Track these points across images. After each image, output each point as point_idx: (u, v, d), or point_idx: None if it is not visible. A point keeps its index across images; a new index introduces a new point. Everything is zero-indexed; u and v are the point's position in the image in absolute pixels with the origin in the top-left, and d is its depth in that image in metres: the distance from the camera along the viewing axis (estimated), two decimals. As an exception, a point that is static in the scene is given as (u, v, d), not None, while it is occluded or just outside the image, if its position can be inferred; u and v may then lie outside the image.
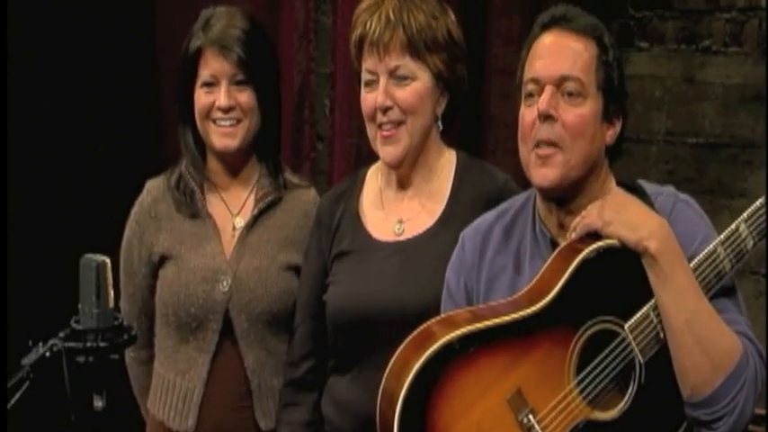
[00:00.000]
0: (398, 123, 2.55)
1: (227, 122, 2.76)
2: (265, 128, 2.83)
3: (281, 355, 2.81)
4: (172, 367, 2.81)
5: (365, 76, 2.57)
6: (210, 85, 2.77)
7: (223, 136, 2.77)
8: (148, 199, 2.86)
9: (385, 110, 2.53)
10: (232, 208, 2.85)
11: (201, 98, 2.77)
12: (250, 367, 2.77)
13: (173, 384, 2.80)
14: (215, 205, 2.84)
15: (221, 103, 2.75)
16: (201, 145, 2.84)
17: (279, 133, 2.93)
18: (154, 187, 2.88)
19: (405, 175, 2.63)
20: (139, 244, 2.84)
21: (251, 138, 2.80)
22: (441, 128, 2.62)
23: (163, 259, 2.81)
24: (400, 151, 2.56)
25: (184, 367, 2.79)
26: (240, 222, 2.84)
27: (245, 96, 2.78)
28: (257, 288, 2.78)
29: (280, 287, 2.80)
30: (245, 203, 2.86)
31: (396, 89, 2.54)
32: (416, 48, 2.53)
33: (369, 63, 2.56)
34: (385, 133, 2.55)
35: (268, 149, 2.88)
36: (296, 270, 2.83)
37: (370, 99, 2.56)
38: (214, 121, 2.77)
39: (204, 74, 2.77)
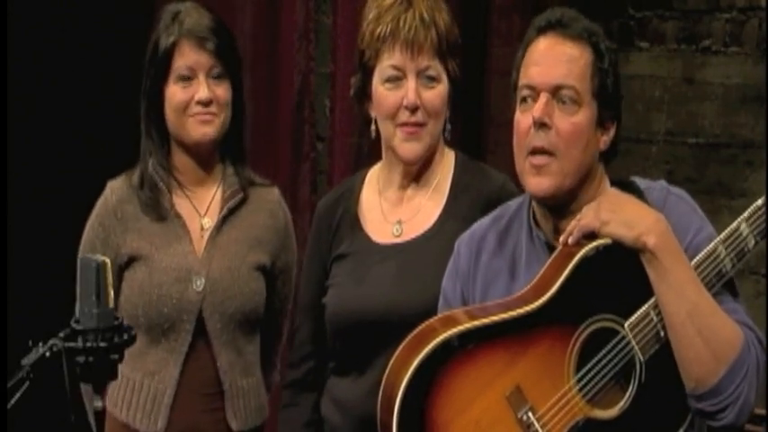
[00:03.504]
0: (422, 125, 2.54)
1: (205, 116, 2.74)
2: (234, 124, 2.81)
3: (249, 356, 2.82)
4: (138, 368, 2.75)
5: (389, 72, 2.54)
6: (187, 78, 2.74)
7: (201, 124, 2.74)
8: (113, 199, 2.81)
9: (414, 109, 2.53)
10: (199, 208, 2.83)
11: (178, 94, 2.74)
12: (222, 368, 2.76)
13: (140, 386, 2.76)
14: (182, 205, 2.81)
15: (202, 96, 2.72)
16: (166, 144, 2.81)
17: (245, 131, 2.90)
18: (117, 187, 2.83)
19: (409, 175, 2.62)
20: (103, 246, 2.77)
21: (224, 132, 2.79)
22: (449, 130, 2.62)
23: (131, 260, 2.77)
24: (421, 149, 2.55)
25: (154, 368, 2.75)
26: (208, 222, 2.82)
27: (222, 90, 2.76)
28: (230, 288, 2.76)
29: (251, 287, 2.79)
30: (211, 203, 2.83)
31: (423, 90, 2.53)
32: (443, 50, 2.53)
33: (396, 60, 2.53)
34: (410, 130, 2.53)
35: (234, 147, 2.86)
36: (263, 270, 2.83)
37: (393, 96, 2.53)
38: (191, 115, 2.74)
39: (180, 67, 2.74)
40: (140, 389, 2.76)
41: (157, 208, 2.79)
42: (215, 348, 2.76)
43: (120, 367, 2.74)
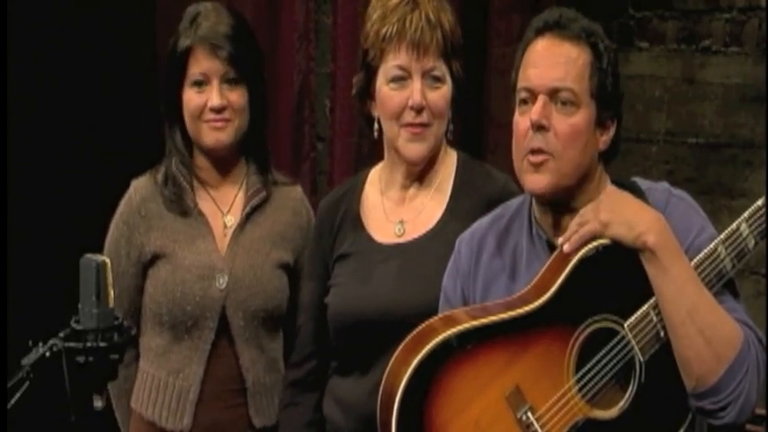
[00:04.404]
0: (426, 125, 2.55)
1: (220, 122, 2.76)
2: (254, 126, 2.82)
3: (272, 353, 2.83)
4: (163, 366, 2.78)
5: (394, 72, 2.54)
6: (201, 84, 2.75)
7: (214, 131, 2.76)
8: (137, 198, 2.83)
9: (419, 110, 2.53)
10: (221, 206, 2.85)
11: (193, 98, 2.76)
12: (245, 365, 2.78)
13: (165, 384, 2.78)
14: (205, 203, 2.83)
15: (214, 103, 2.74)
16: (189, 143, 2.83)
17: (266, 131, 2.91)
18: (141, 186, 2.85)
19: (411, 175, 2.62)
20: (127, 244, 2.81)
21: (240, 136, 2.80)
22: (452, 130, 2.62)
23: (155, 258, 2.79)
24: (426, 149, 2.56)
25: (178, 366, 2.77)
26: (231, 220, 2.83)
27: (237, 95, 2.77)
28: (253, 286, 2.78)
29: (274, 285, 2.81)
30: (234, 201, 2.85)
31: (428, 91, 2.53)
32: (447, 51, 2.54)
33: (402, 60, 2.53)
34: (415, 130, 2.54)
35: (256, 147, 2.87)
36: (287, 268, 2.84)
37: (398, 97, 2.54)
38: (206, 120, 2.76)
39: (194, 73, 2.75)
40: (165, 387, 2.78)
41: (181, 204, 2.80)
42: (237, 345, 2.78)
43: (144, 365, 2.77)
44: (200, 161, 2.84)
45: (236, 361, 2.78)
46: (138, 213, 2.82)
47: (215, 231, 2.82)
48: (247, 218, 2.83)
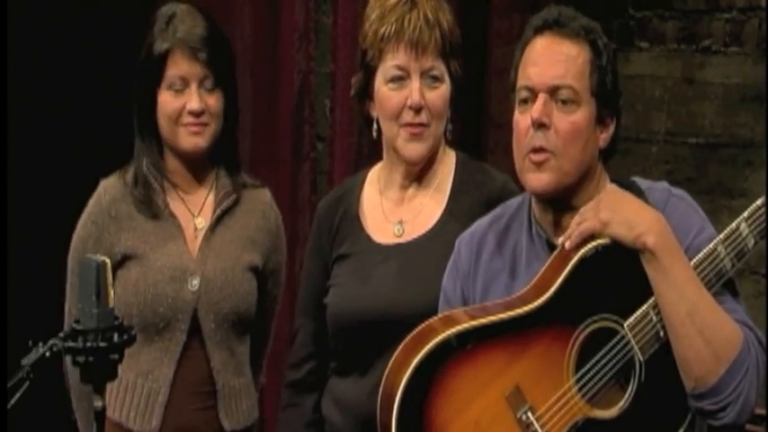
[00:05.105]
0: (425, 125, 2.55)
1: (198, 127, 2.75)
2: (227, 129, 2.82)
3: (241, 356, 2.83)
4: (132, 368, 2.74)
5: (393, 72, 2.54)
6: (179, 87, 2.74)
7: (192, 135, 2.75)
8: (106, 198, 2.81)
9: (418, 109, 2.53)
10: (192, 208, 2.83)
11: (170, 102, 2.74)
12: (216, 368, 2.76)
13: (133, 385, 2.75)
14: (176, 205, 2.81)
15: (193, 106, 2.72)
16: (159, 145, 2.81)
17: (238, 134, 2.90)
18: (111, 186, 2.83)
19: (410, 175, 2.62)
20: (96, 244, 2.77)
21: (215, 141, 2.79)
22: (450, 130, 2.62)
23: (125, 259, 2.77)
24: (425, 149, 2.56)
25: (148, 368, 2.75)
26: (201, 223, 2.82)
27: (214, 100, 2.76)
28: (225, 288, 2.77)
29: (244, 288, 2.80)
30: (204, 204, 2.84)
31: (427, 90, 2.54)
32: (446, 51, 2.54)
33: (400, 60, 2.53)
34: (414, 130, 2.54)
35: (227, 150, 2.85)
36: (256, 271, 2.83)
37: (397, 97, 2.54)
38: (184, 124, 2.74)
39: (172, 76, 2.74)
40: (134, 388, 2.76)
41: (151, 206, 2.79)
42: (208, 348, 2.76)
43: (114, 367, 2.76)
44: (172, 164, 2.82)
45: (207, 363, 2.76)
46: (108, 214, 2.79)
47: (186, 233, 2.80)
48: (218, 220, 2.81)
